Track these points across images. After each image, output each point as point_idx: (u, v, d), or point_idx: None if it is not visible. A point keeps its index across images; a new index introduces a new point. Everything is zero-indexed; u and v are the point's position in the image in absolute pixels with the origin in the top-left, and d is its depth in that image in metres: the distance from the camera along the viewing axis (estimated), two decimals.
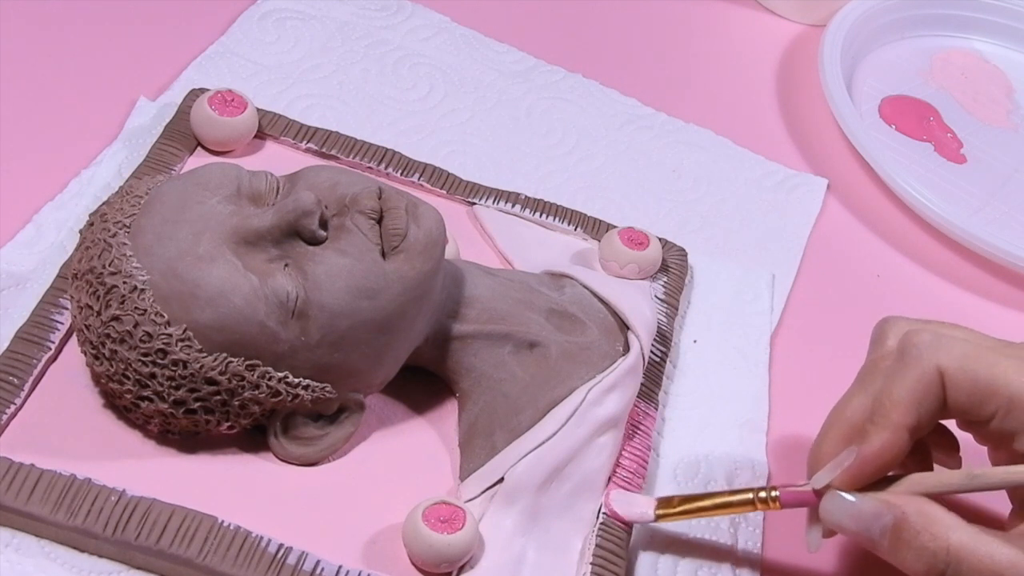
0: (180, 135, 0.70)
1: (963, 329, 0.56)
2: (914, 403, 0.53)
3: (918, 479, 0.54)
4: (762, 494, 0.56)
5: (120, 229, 0.56)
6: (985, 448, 0.58)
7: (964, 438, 0.58)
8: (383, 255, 0.57)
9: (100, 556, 0.55)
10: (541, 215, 0.72)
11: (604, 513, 0.59)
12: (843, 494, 0.53)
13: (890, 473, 0.54)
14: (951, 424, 0.57)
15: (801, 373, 0.71)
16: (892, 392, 0.53)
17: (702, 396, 0.68)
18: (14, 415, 0.57)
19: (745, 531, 0.62)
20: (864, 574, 0.62)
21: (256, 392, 0.56)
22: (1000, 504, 0.56)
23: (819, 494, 0.54)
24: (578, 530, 0.59)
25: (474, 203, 0.72)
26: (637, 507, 0.59)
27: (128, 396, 0.56)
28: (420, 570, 0.56)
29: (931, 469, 0.57)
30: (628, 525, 0.59)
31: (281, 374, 0.56)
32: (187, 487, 0.56)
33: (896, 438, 0.53)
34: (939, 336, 0.53)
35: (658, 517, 0.58)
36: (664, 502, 0.58)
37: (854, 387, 0.57)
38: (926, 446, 0.57)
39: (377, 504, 0.58)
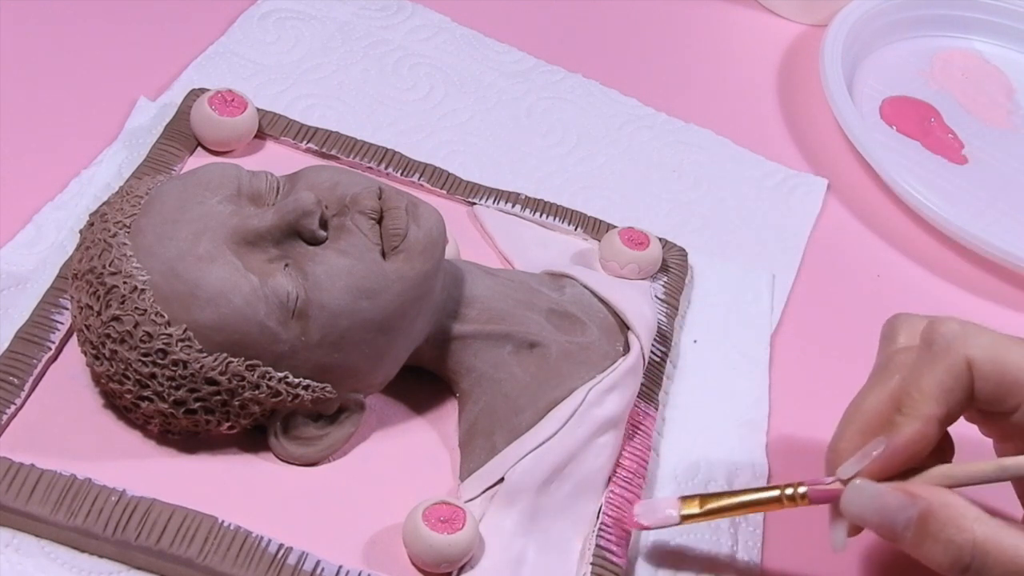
0: (180, 135, 0.70)
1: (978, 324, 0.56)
2: (944, 393, 0.52)
3: (947, 470, 0.53)
4: (789, 491, 0.55)
5: (120, 229, 0.56)
6: (993, 433, 0.57)
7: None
8: (383, 255, 0.57)
9: (100, 556, 0.55)
10: (541, 215, 0.72)
11: (602, 526, 0.59)
12: (867, 484, 0.52)
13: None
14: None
15: (801, 373, 0.71)
16: (921, 382, 0.53)
17: (702, 396, 0.68)
18: (14, 415, 0.57)
19: (745, 531, 0.62)
20: None
21: (256, 392, 0.56)
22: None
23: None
24: (578, 530, 0.59)
25: (474, 203, 0.72)
26: (661, 511, 0.58)
27: (128, 396, 0.56)
28: (420, 570, 0.56)
29: (950, 461, 0.57)
30: (626, 535, 0.59)
31: (281, 374, 0.56)
32: (187, 487, 0.56)
33: (927, 429, 0.52)
34: (965, 325, 0.53)
35: (683, 519, 0.57)
36: (688, 501, 0.57)
37: (870, 382, 0.56)
38: (945, 437, 0.57)
39: (377, 504, 0.58)
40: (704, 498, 0.57)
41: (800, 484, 0.55)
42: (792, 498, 0.55)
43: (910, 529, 0.51)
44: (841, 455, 0.54)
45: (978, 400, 0.53)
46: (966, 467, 0.53)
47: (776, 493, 0.55)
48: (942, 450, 0.57)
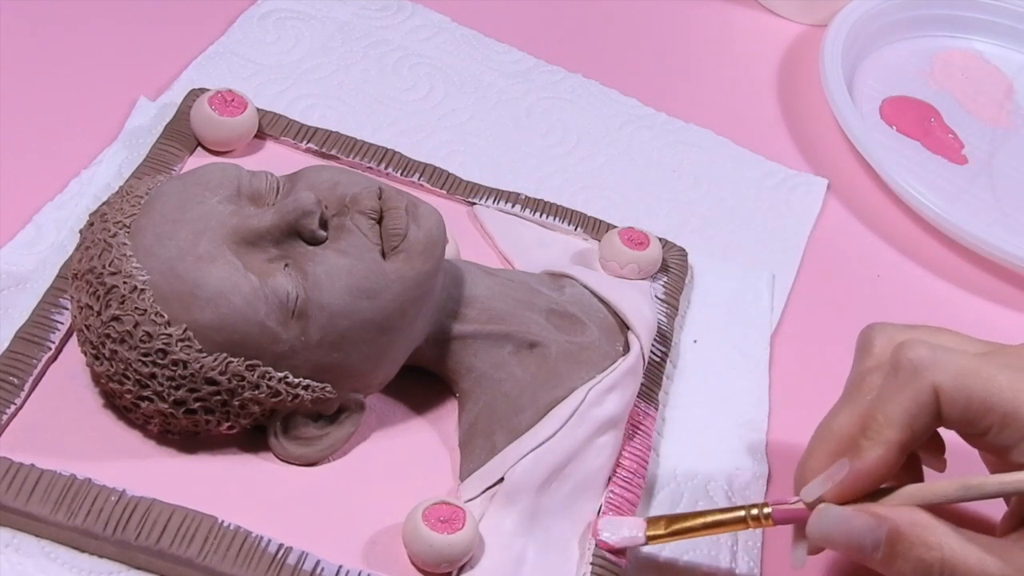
0: (180, 135, 0.70)
1: (952, 335, 0.56)
2: (909, 419, 0.52)
3: (913, 491, 0.53)
4: (754, 511, 0.55)
5: (120, 229, 0.56)
6: (973, 447, 0.57)
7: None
8: (383, 255, 0.57)
9: (100, 556, 0.55)
10: (541, 215, 0.72)
11: (594, 543, 0.58)
12: (834, 508, 0.53)
13: (882, 486, 0.54)
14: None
15: (801, 373, 0.71)
16: (887, 408, 0.53)
17: (702, 396, 0.68)
18: (14, 415, 0.57)
19: (746, 532, 0.62)
20: None
21: (256, 392, 0.56)
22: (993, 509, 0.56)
23: (811, 508, 0.54)
24: (578, 530, 0.59)
25: (474, 203, 0.72)
26: (626, 531, 0.57)
27: (128, 396, 0.56)
28: (420, 570, 0.56)
29: (921, 477, 0.57)
30: (619, 554, 0.58)
31: (281, 374, 0.56)
32: (187, 487, 0.56)
33: (890, 454, 0.52)
34: (933, 350, 0.53)
35: (649, 540, 0.57)
36: (654, 523, 0.57)
37: (841, 401, 0.57)
38: (915, 455, 0.57)
39: (377, 504, 0.58)
40: (670, 520, 0.57)
41: (765, 505, 0.55)
42: (757, 518, 0.55)
43: (879, 550, 0.51)
44: (808, 475, 0.55)
45: (947, 423, 0.53)
46: (932, 487, 0.53)
47: (741, 514, 0.55)
48: (914, 466, 0.57)
